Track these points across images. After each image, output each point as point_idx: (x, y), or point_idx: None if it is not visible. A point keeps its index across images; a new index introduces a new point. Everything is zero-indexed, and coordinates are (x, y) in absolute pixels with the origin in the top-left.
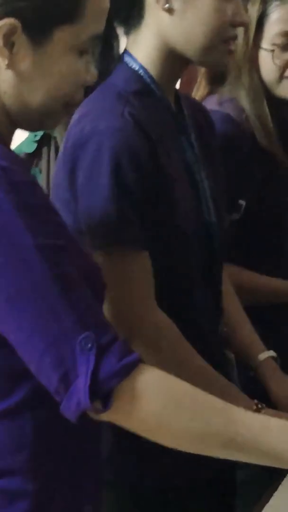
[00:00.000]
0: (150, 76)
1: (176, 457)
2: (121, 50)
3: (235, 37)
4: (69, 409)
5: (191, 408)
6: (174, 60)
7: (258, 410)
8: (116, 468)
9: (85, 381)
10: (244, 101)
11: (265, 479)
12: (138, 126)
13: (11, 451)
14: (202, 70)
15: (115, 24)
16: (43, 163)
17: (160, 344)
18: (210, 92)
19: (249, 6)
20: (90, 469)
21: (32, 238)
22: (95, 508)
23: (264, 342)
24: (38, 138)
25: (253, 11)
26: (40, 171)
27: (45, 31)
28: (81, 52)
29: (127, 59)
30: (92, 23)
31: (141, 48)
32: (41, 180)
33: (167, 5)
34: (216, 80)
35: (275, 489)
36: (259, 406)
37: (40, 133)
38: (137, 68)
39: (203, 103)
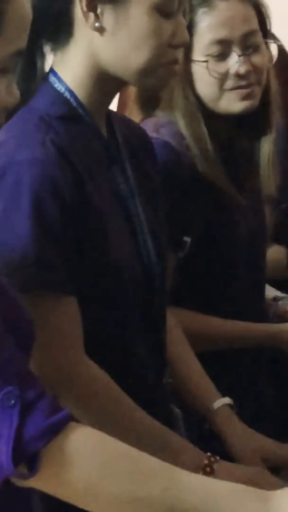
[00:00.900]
0: (78, 99)
1: None
2: (47, 68)
3: (176, 60)
4: None
5: (125, 472)
6: (106, 82)
7: (210, 464)
8: None
9: (7, 442)
10: (182, 124)
11: None
12: (62, 156)
13: None
14: (132, 94)
15: (41, 39)
16: None
17: (91, 399)
18: (145, 117)
19: None
20: None
21: None
22: None
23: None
24: None
25: None
26: None
27: None
28: (1, 71)
29: (52, 79)
30: (12, 38)
31: (69, 67)
32: None
33: (97, 24)
34: (150, 103)
35: None
36: (212, 459)
37: None
38: (63, 90)
39: None
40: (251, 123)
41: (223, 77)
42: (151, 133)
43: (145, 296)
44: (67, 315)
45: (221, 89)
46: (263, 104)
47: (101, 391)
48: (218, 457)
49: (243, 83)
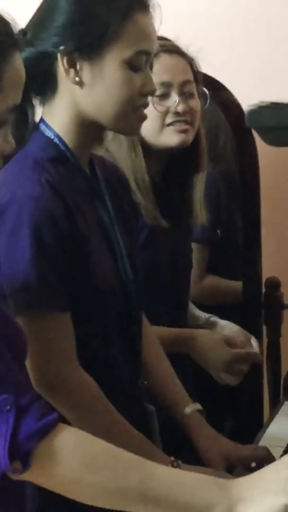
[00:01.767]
0: (65, 144)
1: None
2: (37, 119)
3: (145, 105)
4: None
5: (106, 466)
6: (88, 128)
7: (174, 467)
8: None
9: (4, 442)
10: (124, 160)
11: None
12: (55, 192)
13: None
14: None
15: (31, 94)
16: None
17: (80, 402)
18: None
19: None
20: None
21: None
22: None
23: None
24: None
25: None
26: None
27: None
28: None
29: (42, 127)
30: (9, 95)
31: (55, 117)
32: None
33: (77, 78)
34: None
35: None
36: (175, 464)
37: None
38: (52, 136)
39: None
40: (184, 160)
41: (164, 113)
42: None
43: (123, 310)
44: (63, 330)
45: (162, 123)
46: (194, 144)
47: (89, 395)
48: (180, 461)
49: (181, 119)
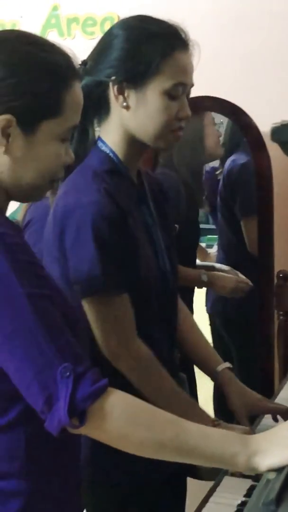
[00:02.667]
0: (118, 158)
1: (143, 461)
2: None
3: (181, 128)
4: (52, 425)
5: (146, 423)
6: (135, 145)
7: (215, 426)
8: (94, 469)
9: (64, 403)
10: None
11: None
12: (111, 199)
13: (6, 459)
14: None
15: (90, 116)
16: None
17: (139, 365)
18: None
19: None
20: (72, 472)
21: (22, 288)
22: (76, 503)
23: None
24: None
25: None
26: None
27: (34, 124)
28: (63, 140)
29: (100, 144)
30: (70, 116)
31: (109, 135)
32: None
33: (124, 103)
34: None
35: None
36: (216, 422)
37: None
38: (107, 151)
39: None
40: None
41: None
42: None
43: (162, 294)
44: (123, 309)
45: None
46: None
47: (147, 361)
48: (221, 421)
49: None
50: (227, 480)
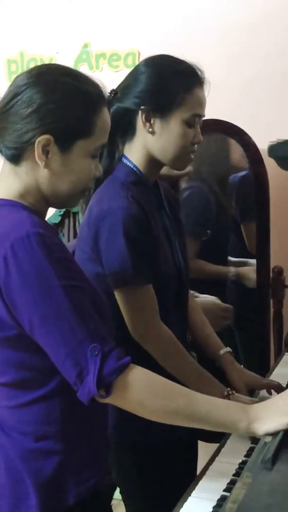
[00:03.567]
0: (140, 172)
1: (158, 425)
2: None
3: (194, 151)
4: (83, 395)
5: (162, 394)
6: (154, 163)
7: (228, 395)
8: (120, 432)
9: (93, 376)
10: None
11: None
12: (138, 205)
13: (45, 423)
14: None
15: (117, 137)
16: (65, 230)
17: (163, 344)
18: None
19: None
20: (100, 434)
21: (59, 280)
22: (104, 463)
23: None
24: (62, 213)
25: None
26: (63, 235)
27: (69, 143)
28: (93, 156)
29: (124, 160)
30: (100, 136)
31: (133, 153)
32: (64, 241)
33: (150, 129)
34: None
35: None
36: (230, 392)
37: (63, 210)
38: (131, 166)
39: None
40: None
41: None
42: None
43: (177, 287)
44: (149, 297)
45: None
46: None
47: (169, 341)
48: (234, 392)
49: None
50: (230, 443)
